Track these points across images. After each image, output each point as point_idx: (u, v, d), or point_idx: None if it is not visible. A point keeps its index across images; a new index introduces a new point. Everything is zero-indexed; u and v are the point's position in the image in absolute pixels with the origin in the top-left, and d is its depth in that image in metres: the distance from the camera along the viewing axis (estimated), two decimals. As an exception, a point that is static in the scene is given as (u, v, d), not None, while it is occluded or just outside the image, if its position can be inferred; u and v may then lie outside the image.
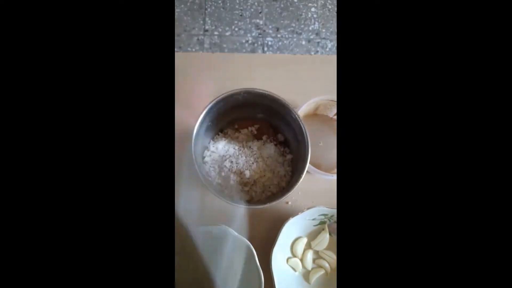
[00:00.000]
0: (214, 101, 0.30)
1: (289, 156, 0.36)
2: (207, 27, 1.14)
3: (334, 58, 0.51)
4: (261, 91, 0.30)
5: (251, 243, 0.34)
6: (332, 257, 0.38)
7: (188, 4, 1.16)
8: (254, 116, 0.37)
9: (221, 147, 0.35)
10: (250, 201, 0.34)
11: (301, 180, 0.29)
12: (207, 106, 0.29)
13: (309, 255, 0.38)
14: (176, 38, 1.13)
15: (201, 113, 0.29)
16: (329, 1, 1.23)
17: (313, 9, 1.19)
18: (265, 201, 0.29)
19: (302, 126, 0.30)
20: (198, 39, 1.12)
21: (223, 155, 0.34)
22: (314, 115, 0.46)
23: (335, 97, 0.40)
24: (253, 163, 0.33)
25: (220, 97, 0.30)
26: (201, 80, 0.44)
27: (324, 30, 1.18)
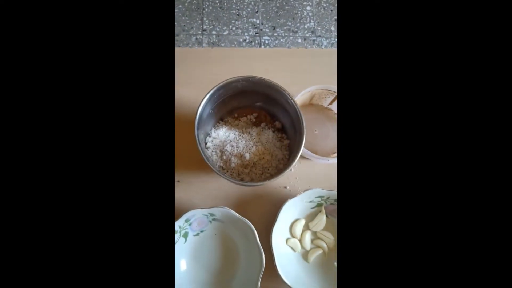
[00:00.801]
0: (215, 88, 0.32)
1: (286, 141, 0.38)
2: (205, 27, 1.16)
3: (328, 51, 0.54)
4: (258, 78, 0.32)
5: (252, 225, 0.36)
6: (329, 237, 0.40)
7: (186, 4, 1.18)
8: (253, 104, 0.39)
9: (222, 133, 0.37)
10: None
11: (297, 158, 0.31)
12: (208, 92, 0.32)
13: (307, 236, 0.40)
14: (175, 38, 1.15)
15: (203, 99, 0.31)
16: (324, 0, 1.26)
17: (308, 8, 1.22)
18: (264, 180, 0.31)
19: (297, 110, 0.32)
20: (196, 39, 1.15)
21: (224, 140, 0.36)
22: (310, 104, 0.48)
23: (329, 87, 0.43)
24: (252, 146, 0.35)
25: (221, 84, 0.32)
26: (201, 73, 0.47)
27: (319, 28, 1.20)
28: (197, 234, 0.40)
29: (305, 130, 0.32)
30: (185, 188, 0.42)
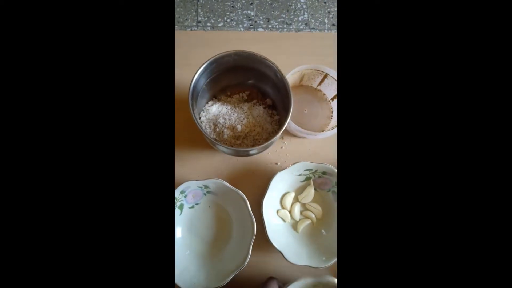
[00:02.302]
0: (208, 61, 0.33)
1: (276, 117, 0.40)
2: (199, 19, 1.17)
3: (319, 34, 0.55)
4: (249, 52, 0.34)
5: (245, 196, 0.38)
6: (317, 208, 0.43)
7: (181, -4, 1.19)
8: (244, 82, 0.41)
9: (215, 109, 0.39)
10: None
11: (284, 127, 0.33)
12: (201, 65, 0.33)
13: (297, 208, 0.43)
14: (169, 29, 1.16)
15: (197, 71, 0.33)
16: (317, -8, 1.28)
17: (302, 0, 1.24)
18: (253, 147, 0.33)
19: (286, 83, 0.34)
20: (191, 30, 1.16)
21: (217, 114, 0.38)
22: (300, 86, 0.50)
23: (318, 67, 0.45)
24: (244, 119, 0.37)
25: (213, 58, 0.34)
26: (195, 55, 0.48)
27: (313, 20, 1.22)
28: (192, 207, 0.41)
29: (292, 104, 0.34)
30: (179, 164, 0.44)
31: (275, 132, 0.39)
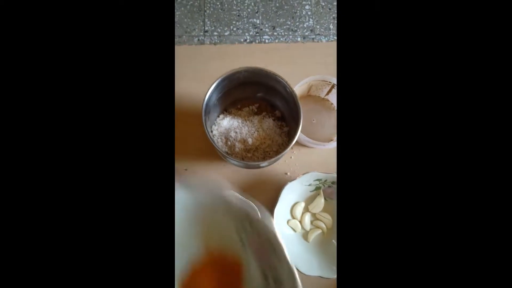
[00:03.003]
0: (219, 78, 0.35)
1: (285, 129, 0.41)
2: (206, 28, 1.20)
3: (324, 45, 0.56)
4: (258, 68, 0.35)
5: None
6: (327, 218, 0.43)
7: (188, 7, 1.22)
8: (254, 95, 0.42)
9: (226, 122, 0.40)
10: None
11: (295, 139, 0.34)
12: (213, 82, 0.35)
13: (307, 217, 0.43)
14: (177, 39, 1.19)
15: (209, 88, 0.35)
16: (322, -1, 1.29)
17: (307, 7, 1.25)
18: (264, 160, 0.34)
19: (294, 96, 0.35)
20: (198, 40, 1.18)
21: (229, 128, 0.40)
22: (308, 96, 0.51)
23: (325, 77, 0.45)
24: (254, 132, 0.39)
25: (224, 75, 0.35)
26: (205, 69, 0.50)
27: (318, 27, 1.23)
28: (204, 217, 0.42)
29: (302, 115, 0.34)
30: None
31: (284, 144, 0.40)
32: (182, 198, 0.27)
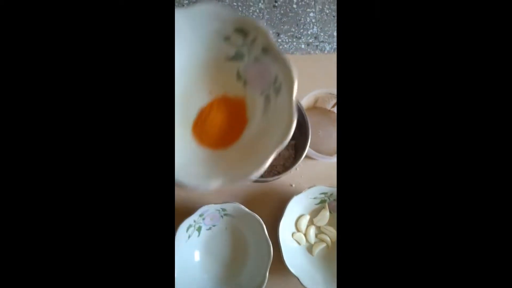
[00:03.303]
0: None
1: (292, 142, 0.41)
2: (211, 33, 1.20)
3: (330, 56, 0.57)
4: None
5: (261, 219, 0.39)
6: (332, 231, 0.43)
7: (193, 12, 1.23)
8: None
9: (233, 134, 0.40)
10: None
11: (303, 156, 0.34)
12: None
13: (312, 230, 0.43)
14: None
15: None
16: (326, 6, 1.29)
17: (311, 14, 1.26)
18: (272, 176, 0.34)
19: (303, 113, 0.35)
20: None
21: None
22: (314, 108, 0.51)
23: (332, 91, 0.46)
24: (261, 146, 0.39)
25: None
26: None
27: (322, 34, 1.24)
28: (210, 229, 0.42)
29: (310, 130, 0.35)
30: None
31: (290, 157, 0.40)
32: (188, 40, 0.28)
